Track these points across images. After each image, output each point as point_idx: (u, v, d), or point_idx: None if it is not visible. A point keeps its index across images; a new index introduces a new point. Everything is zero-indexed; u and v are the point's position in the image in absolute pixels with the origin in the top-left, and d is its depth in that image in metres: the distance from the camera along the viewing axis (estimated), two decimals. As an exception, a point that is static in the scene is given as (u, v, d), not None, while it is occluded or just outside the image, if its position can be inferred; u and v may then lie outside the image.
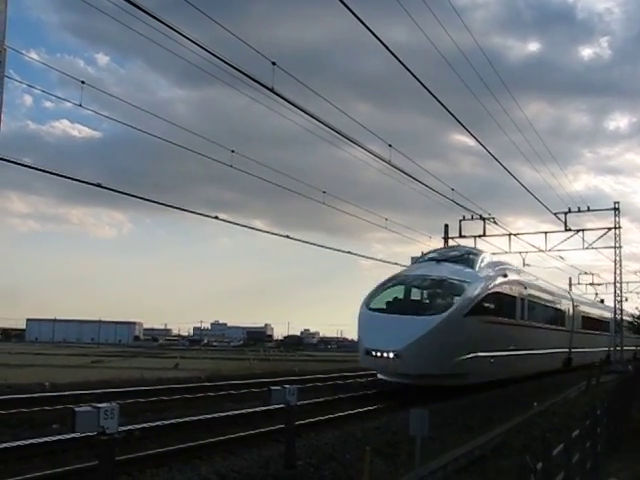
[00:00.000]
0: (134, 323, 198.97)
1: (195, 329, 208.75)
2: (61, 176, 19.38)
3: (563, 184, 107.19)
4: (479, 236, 51.89)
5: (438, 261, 27.62)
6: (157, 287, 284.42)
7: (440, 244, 60.54)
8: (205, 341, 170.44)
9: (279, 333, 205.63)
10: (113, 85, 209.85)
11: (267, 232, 37.77)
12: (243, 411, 16.63)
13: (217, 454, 11.98)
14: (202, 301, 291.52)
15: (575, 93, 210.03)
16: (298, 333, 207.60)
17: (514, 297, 29.39)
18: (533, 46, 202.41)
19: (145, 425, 13.50)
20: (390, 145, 21.76)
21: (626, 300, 57.30)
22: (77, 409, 7.35)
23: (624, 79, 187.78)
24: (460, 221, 53.82)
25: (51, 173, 18.88)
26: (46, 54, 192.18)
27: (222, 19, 13.51)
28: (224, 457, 11.86)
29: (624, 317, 54.29)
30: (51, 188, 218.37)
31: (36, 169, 18.44)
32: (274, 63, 14.87)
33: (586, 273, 72.74)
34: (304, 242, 34.66)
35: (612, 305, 54.09)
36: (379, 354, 21.95)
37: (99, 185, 19.53)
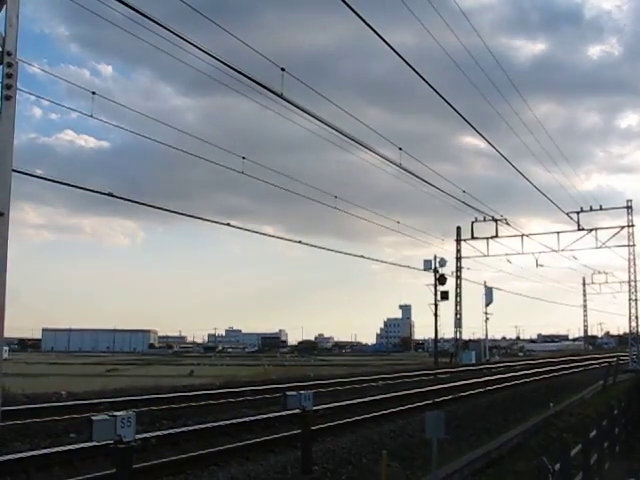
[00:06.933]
0: (149, 331, 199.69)
1: (209, 336, 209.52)
2: (74, 186, 19.55)
3: (575, 184, 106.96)
4: (491, 237, 51.84)
5: None
6: (171, 295, 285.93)
7: (452, 246, 60.72)
8: (220, 348, 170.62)
9: (293, 338, 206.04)
10: (120, 95, 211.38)
11: (279, 238, 38.04)
12: (259, 417, 16.63)
13: (234, 460, 11.99)
14: (216, 308, 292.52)
15: (585, 92, 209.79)
16: (312, 338, 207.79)
17: None
18: (541, 46, 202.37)
19: (161, 433, 13.52)
20: (400, 148, 21.76)
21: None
22: (94, 418, 7.37)
23: (635, 76, 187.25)
24: (472, 223, 53.79)
25: (64, 184, 19.06)
26: (48, 65, 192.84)
27: (230, 27, 13.59)
28: (241, 463, 11.87)
29: None
30: (63, 199, 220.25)
31: (52, 180, 18.62)
32: (283, 69, 14.91)
33: (600, 272, 72.35)
34: (316, 247, 34.83)
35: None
36: None
37: (111, 194, 19.68)
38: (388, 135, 21.32)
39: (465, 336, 70.35)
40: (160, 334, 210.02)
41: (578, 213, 46.56)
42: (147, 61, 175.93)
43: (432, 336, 72.00)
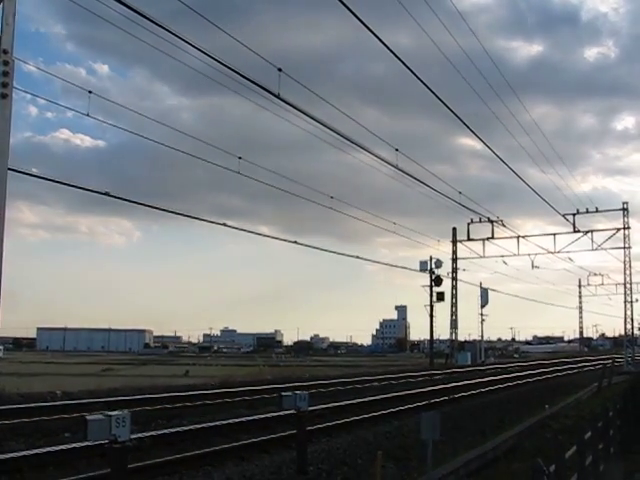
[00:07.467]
0: (144, 331, 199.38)
1: (205, 336, 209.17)
2: (70, 185, 19.51)
3: (571, 186, 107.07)
4: (487, 239, 51.91)
5: None
6: (167, 294, 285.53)
7: (448, 248, 60.78)
8: (215, 348, 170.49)
9: (289, 339, 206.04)
10: (117, 94, 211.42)
11: (275, 238, 37.98)
12: (254, 417, 16.62)
13: (229, 460, 11.97)
14: (211, 308, 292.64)
15: (582, 94, 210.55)
16: (308, 338, 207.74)
17: None
18: (538, 48, 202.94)
19: (157, 433, 13.50)
20: (397, 150, 21.78)
21: (637, 301, 57.06)
22: (89, 417, 7.36)
23: (632, 78, 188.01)
24: (468, 224, 53.88)
25: (60, 183, 19.02)
26: (44, 64, 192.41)
27: (228, 27, 13.59)
28: (236, 463, 11.85)
29: None
30: (59, 198, 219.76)
31: (48, 179, 18.56)
32: (280, 69, 14.91)
33: (595, 274, 72.55)
34: (312, 247, 34.84)
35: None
36: None
37: (107, 194, 19.64)
38: (384, 136, 21.34)
39: (461, 337, 70.44)
40: (155, 334, 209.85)
41: (574, 215, 46.64)
42: (144, 60, 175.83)
43: (428, 337, 72.10)
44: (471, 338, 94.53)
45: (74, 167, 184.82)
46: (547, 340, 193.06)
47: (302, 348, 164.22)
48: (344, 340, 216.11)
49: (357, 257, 39.82)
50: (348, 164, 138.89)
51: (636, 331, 57.26)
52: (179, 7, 11.87)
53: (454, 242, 60.70)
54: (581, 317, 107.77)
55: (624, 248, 51.29)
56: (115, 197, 20.17)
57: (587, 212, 47.43)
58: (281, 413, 14.35)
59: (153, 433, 13.29)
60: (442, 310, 64.31)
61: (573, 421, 18.54)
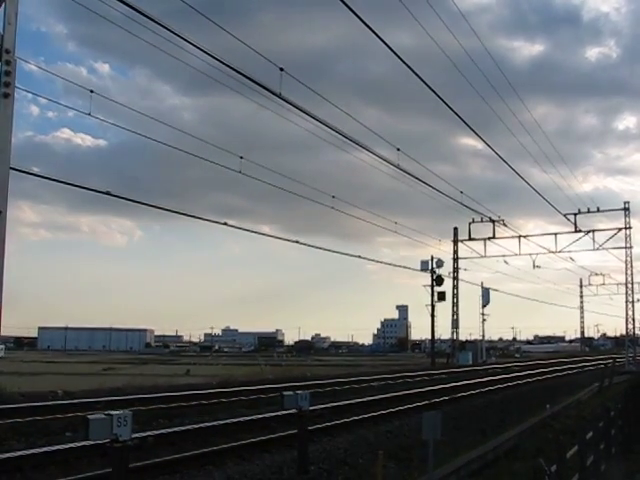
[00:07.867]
0: (145, 330, 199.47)
1: (206, 335, 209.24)
2: (72, 185, 19.51)
3: (573, 185, 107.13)
4: (489, 238, 51.91)
5: None
6: (168, 294, 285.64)
7: (450, 247, 60.75)
8: (216, 347, 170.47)
9: (290, 338, 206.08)
10: (118, 93, 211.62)
11: (276, 237, 38.00)
12: (256, 417, 16.61)
13: (230, 460, 11.97)
14: (213, 307, 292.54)
15: (583, 94, 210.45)
16: (309, 338, 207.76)
17: None
18: (540, 48, 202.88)
19: (158, 432, 13.49)
20: (398, 149, 21.79)
21: (638, 301, 57.01)
22: (90, 417, 7.35)
23: (633, 78, 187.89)
24: (469, 224, 53.90)
25: (62, 182, 19.01)
26: (45, 63, 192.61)
27: (229, 27, 13.59)
28: (237, 463, 11.85)
29: None
30: (60, 197, 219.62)
31: (49, 179, 18.57)
32: (282, 69, 14.91)
33: (597, 274, 72.58)
34: (313, 247, 34.84)
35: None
36: None
37: (108, 193, 19.64)
38: (386, 135, 21.38)
39: (462, 337, 70.36)
40: (157, 333, 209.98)
41: (575, 215, 46.63)
42: (145, 60, 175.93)
43: (429, 337, 72.04)
44: (472, 338, 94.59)
45: (75, 166, 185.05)
46: (548, 340, 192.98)
47: (303, 348, 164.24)
48: (345, 340, 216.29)
49: (359, 257, 39.87)
50: (349, 163, 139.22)
51: (637, 331, 57.14)
52: (180, 6, 11.87)
53: (455, 242, 60.66)
54: (582, 317, 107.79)
55: (625, 248, 51.31)
56: (116, 196, 20.16)
57: (588, 212, 47.42)
58: (282, 413, 14.35)
59: (155, 432, 13.27)
60: (443, 310, 64.28)
61: (574, 421, 18.53)
